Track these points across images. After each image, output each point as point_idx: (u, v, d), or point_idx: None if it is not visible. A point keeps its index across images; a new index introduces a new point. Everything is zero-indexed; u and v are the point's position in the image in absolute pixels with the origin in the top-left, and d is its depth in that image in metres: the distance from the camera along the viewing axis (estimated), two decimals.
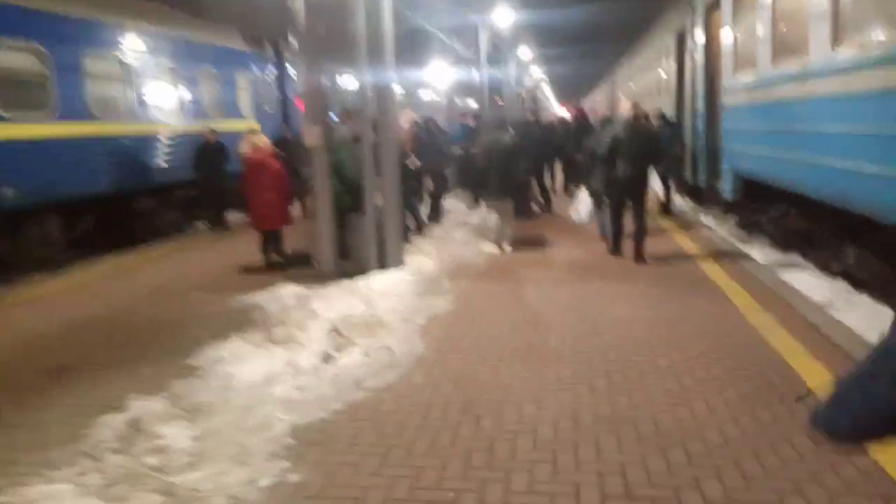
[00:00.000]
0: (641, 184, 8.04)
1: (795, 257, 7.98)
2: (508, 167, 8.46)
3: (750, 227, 9.46)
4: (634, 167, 7.78)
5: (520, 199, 10.88)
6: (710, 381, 4.17)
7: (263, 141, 8.56)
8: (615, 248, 8.03)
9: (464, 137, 12.95)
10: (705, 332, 5.13)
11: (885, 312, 5.62)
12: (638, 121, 8.04)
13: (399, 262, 7.55)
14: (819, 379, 4.04)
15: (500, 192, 8.55)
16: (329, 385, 4.35)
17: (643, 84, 19.10)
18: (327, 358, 4.83)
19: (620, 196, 7.93)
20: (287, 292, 6.26)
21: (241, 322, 5.59)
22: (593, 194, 8.45)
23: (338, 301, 5.96)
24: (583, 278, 7.07)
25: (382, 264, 7.44)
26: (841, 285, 6.71)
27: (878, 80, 5.07)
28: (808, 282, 6.84)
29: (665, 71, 14.92)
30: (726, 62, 9.43)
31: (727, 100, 9.45)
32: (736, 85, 8.99)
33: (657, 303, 6.01)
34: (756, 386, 4.06)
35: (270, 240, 8.41)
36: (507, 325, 5.57)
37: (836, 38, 5.82)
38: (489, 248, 8.71)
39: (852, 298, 6.34)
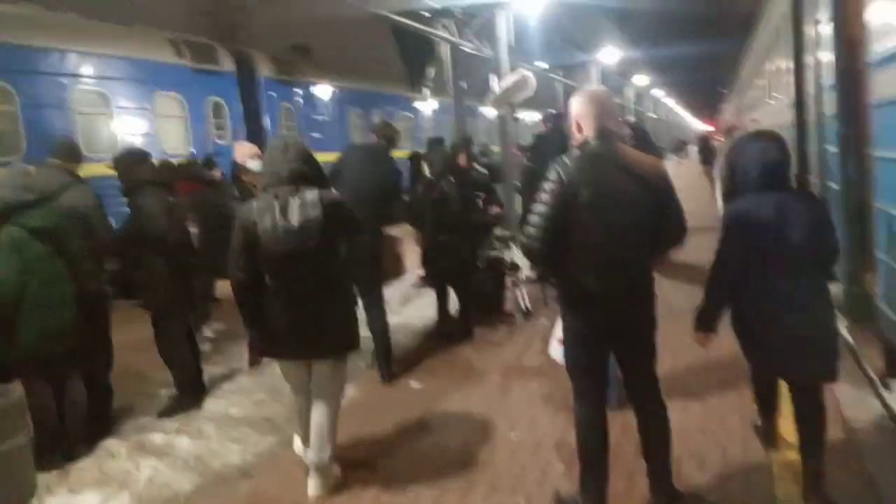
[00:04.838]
0: (642, 296, 2.91)
1: None
2: (312, 269, 3.25)
3: None
4: (621, 255, 2.79)
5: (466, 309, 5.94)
6: None
7: None
8: (592, 480, 2.89)
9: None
10: None
11: None
12: (610, 142, 2.83)
13: None
14: None
15: (306, 338, 3.30)
16: None
17: (756, 90, 13.15)
18: None
19: (593, 324, 2.88)
20: None
21: None
22: None
23: None
24: None
25: None
26: None
27: None
28: None
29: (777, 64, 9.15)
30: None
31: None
32: None
33: None
34: None
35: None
36: None
37: None
38: (299, 449, 3.64)
39: None
